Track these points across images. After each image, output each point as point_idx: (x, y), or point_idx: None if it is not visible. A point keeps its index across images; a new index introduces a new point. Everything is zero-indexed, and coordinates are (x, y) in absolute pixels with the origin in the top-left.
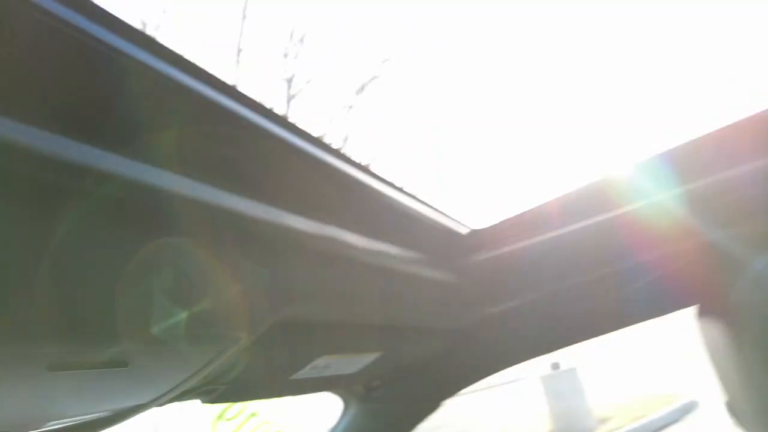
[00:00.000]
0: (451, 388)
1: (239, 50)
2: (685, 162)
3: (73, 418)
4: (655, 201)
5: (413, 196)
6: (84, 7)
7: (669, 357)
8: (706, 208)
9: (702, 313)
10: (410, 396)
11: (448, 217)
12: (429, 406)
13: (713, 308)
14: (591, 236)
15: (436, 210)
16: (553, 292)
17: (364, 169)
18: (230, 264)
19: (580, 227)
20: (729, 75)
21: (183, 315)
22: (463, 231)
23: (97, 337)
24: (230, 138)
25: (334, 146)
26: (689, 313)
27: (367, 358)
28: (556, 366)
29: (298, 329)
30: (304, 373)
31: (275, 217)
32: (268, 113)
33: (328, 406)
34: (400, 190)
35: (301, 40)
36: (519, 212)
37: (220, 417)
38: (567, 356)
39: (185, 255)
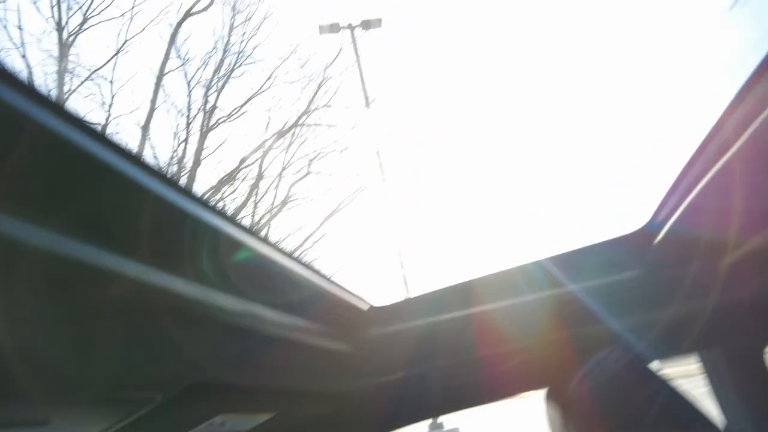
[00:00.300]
0: None
1: (162, 74)
2: (549, 272)
3: None
4: (521, 301)
5: (320, 273)
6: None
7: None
8: (560, 312)
9: (548, 395)
10: None
11: (351, 293)
12: None
13: (557, 393)
14: (469, 324)
15: (340, 287)
16: (436, 367)
17: (277, 248)
18: (151, 331)
19: (461, 315)
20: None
21: (106, 377)
22: (364, 307)
23: (21, 396)
24: (149, 215)
25: (251, 226)
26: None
27: (261, 418)
28: (438, 426)
29: (203, 389)
30: (200, 429)
31: (190, 291)
32: (185, 192)
33: None
34: (308, 266)
35: (228, 72)
36: (413, 295)
37: None
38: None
39: (111, 321)
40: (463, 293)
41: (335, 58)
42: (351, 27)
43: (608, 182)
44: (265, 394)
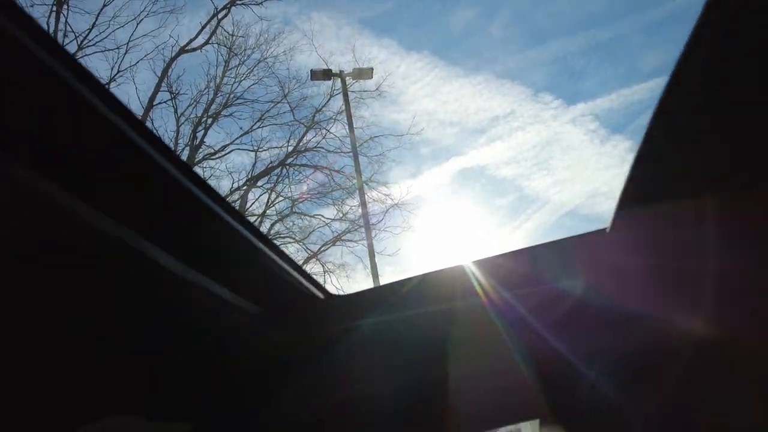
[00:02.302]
0: None
1: (151, 106)
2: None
3: None
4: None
5: (287, 258)
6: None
7: None
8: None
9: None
10: None
11: (308, 278)
12: None
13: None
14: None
15: (296, 268)
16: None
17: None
18: None
19: (417, 313)
20: None
21: None
22: (320, 295)
23: None
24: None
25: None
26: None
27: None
28: None
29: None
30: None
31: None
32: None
33: None
34: (278, 251)
35: None
36: (378, 285)
37: None
38: None
39: None
40: (428, 286)
41: (325, 104)
42: (342, 74)
43: None
44: (181, 397)
